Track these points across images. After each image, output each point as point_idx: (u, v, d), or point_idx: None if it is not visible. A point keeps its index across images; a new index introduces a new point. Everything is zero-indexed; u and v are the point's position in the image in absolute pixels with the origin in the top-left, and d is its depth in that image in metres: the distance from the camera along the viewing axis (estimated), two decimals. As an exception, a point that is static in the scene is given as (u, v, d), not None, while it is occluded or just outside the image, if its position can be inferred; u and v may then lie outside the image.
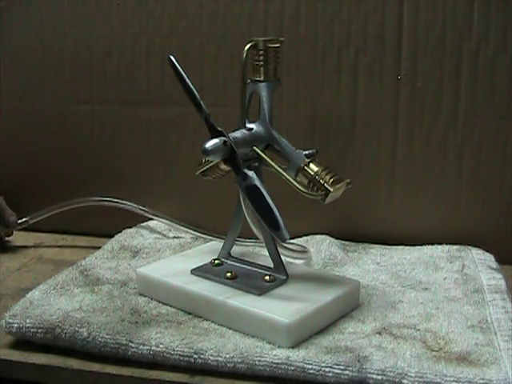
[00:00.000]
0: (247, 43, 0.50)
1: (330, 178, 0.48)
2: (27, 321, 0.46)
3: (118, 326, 0.46)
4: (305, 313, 0.46)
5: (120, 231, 0.68)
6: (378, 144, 0.65)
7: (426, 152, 0.64)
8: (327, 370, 0.42)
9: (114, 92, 0.70)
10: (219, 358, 0.43)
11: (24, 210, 0.69)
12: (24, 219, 0.68)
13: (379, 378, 0.41)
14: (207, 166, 0.53)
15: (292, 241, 0.64)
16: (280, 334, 0.44)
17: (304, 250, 0.60)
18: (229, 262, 0.55)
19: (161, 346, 0.44)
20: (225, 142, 0.47)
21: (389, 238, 0.66)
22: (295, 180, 0.48)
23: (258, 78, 0.51)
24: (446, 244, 0.64)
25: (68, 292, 0.53)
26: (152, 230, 0.69)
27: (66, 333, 0.45)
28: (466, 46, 0.61)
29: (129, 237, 0.67)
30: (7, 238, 0.70)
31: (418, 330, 0.47)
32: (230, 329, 0.47)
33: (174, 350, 0.44)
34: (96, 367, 0.44)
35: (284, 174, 0.48)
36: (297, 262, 0.58)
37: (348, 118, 0.65)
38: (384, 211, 0.66)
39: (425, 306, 0.51)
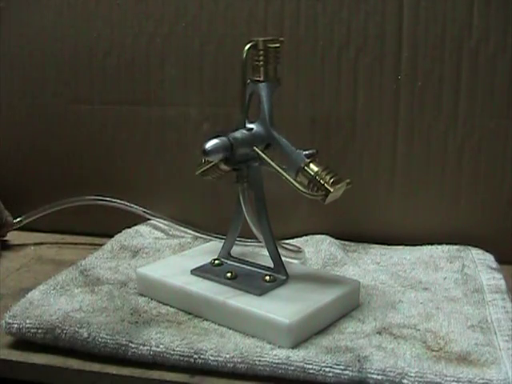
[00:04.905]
0: (247, 43, 0.50)
1: (330, 178, 0.48)
2: (27, 321, 0.46)
3: (118, 326, 0.46)
4: (305, 313, 0.46)
5: (120, 231, 0.68)
6: (377, 144, 0.65)
7: (426, 152, 0.64)
8: (327, 369, 0.42)
9: (114, 92, 0.70)
10: (219, 358, 0.43)
11: (22, 210, 0.69)
12: (18, 219, 0.68)
13: (379, 377, 0.41)
14: (207, 166, 0.53)
15: (289, 241, 0.64)
16: (280, 334, 0.44)
17: (299, 250, 0.60)
18: (229, 261, 0.55)
19: (161, 346, 0.44)
20: (225, 142, 0.47)
21: (389, 238, 0.66)
22: (295, 180, 0.48)
23: (257, 78, 0.51)
24: (446, 244, 0.64)
25: (68, 292, 0.53)
26: (152, 230, 0.69)
27: (66, 333, 0.45)
28: (466, 46, 0.61)
29: (129, 237, 0.67)
30: (3, 238, 0.70)
31: (418, 329, 0.47)
32: (230, 329, 0.47)
33: (173, 350, 0.44)
34: (96, 367, 0.44)
35: (284, 174, 0.48)
36: (291, 261, 0.58)
37: (348, 118, 0.65)
38: (384, 211, 0.66)
39: (425, 306, 0.51)
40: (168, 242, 0.66)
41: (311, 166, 0.48)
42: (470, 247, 0.63)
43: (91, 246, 0.68)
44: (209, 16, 0.66)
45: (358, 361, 0.42)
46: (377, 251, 0.65)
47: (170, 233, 0.70)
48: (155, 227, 0.70)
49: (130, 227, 0.69)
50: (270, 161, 0.49)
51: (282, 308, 0.46)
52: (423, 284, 0.56)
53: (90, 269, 0.58)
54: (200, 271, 0.52)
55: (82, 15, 0.69)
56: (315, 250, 0.63)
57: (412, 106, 0.63)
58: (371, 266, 0.61)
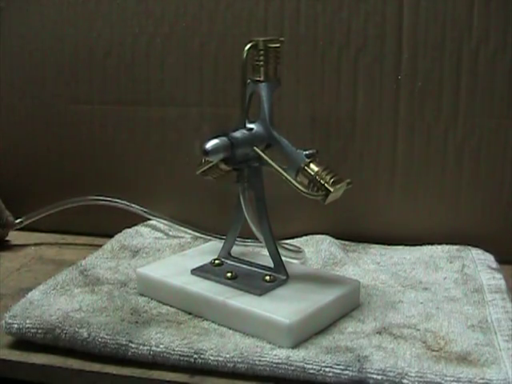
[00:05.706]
0: (247, 43, 0.50)
1: (331, 178, 0.48)
2: (27, 321, 0.46)
3: (118, 326, 0.46)
4: (305, 313, 0.46)
5: (120, 231, 0.68)
6: (377, 144, 0.65)
7: (426, 152, 0.64)
8: (327, 369, 0.42)
9: (113, 92, 0.70)
10: (219, 358, 0.43)
11: (23, 211, 0.69)
12: (19, 220, 0.68)
13: (379, 377, 0.41)
14: (207, 166, 0.53)
15: (289, 241, 0.64)
16: (280, 334, 0.44)
17: (299, 250, 0.60)
18: (229, 261, 0.55)
19: (161, 345, 0.44)
20: (225, 142, 0.47)
21: (389, 238, 0.66)
22: (295, 180, 0.48)
23: (258, 78, 0.51)
24: (446, 244, 0.64)
25: (68, 292, 0.53)
26: (152, 230, 0.69)
27: (65, 333, 0.45)
28: (466, 46, 0.61)
29: (129, 237, 0.67)
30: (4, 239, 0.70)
31: (418, 329, 0.47)
32: (230, 329, 0.47)
33: (173, 350, 0.44)
34: (96, 367, 0.44)
35: (284, 174, 0.48)
36: (291, 261, 0.58)
37: (348, 117, 0.65)
38: (384, 211, 0.66)
39: (425, 305, 0.51)
40: (168, 241, 0.66)
41: (311, 165, 0.48)
42: (469, 247, 0.63)
43: (91, 246, 0.68)
44: (209, 16, 0.66)
45: (358, 361, 0.42)
46: (377, 251, 0.65)
47: (170, 233, 0.70)
48: (155, 227, 0.70)
49: (129, 227, 0.69)
50: (270, 161, 0.49)
51: (282, 308, 0.46)
52: (423, 284, 0.56)
53: (90, 269, 0.58)
54: (200, 271, 0.52)
55: (82, 15, 0.69)
56: (315, 250, 0.63)
57: (412, 106, 0.63)
58: (371, 265, 0.61)
